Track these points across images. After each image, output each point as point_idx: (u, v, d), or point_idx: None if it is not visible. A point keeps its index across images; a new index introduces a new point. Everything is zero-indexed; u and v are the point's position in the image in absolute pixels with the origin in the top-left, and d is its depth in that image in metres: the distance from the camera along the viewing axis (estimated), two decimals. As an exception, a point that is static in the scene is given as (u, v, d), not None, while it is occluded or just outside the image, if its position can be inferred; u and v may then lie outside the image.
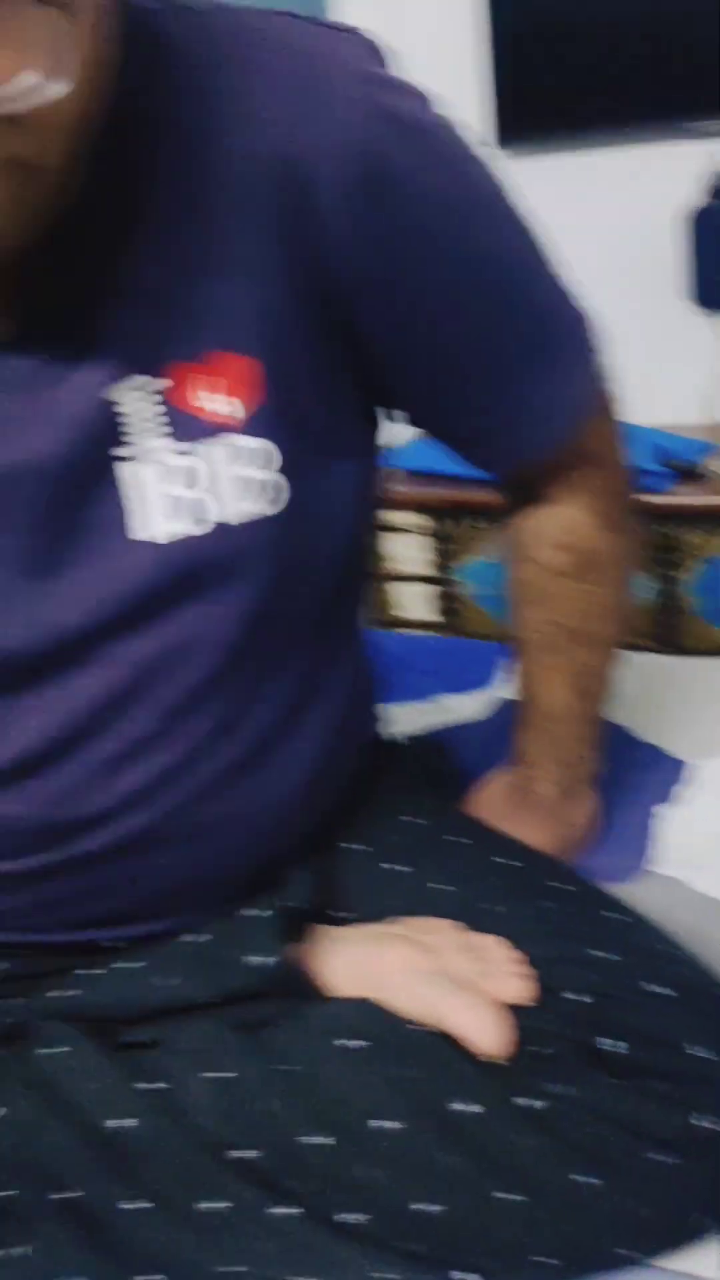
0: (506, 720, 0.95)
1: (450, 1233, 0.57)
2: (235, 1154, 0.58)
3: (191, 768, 0.66)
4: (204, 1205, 0.57)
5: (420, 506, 1.88)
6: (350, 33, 0.61)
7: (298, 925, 0.68)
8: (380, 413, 0.71)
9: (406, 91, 0.61)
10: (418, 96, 0.62)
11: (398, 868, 0.74)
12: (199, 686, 0.65)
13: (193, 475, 0.60)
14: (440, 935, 0.66)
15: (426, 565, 1.97)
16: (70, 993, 0.67)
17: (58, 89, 0.45)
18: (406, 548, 1.93)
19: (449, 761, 0.89)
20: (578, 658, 0.80)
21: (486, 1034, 0.60)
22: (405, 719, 1.02)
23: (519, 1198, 0.57)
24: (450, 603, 1.99)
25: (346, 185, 0.58)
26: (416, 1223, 0.57)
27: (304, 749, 0.71)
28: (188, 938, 0.69)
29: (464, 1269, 0.57)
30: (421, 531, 1.92)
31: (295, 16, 0.60)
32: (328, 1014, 0.64)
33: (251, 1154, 0.58)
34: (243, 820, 0.69)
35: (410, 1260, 0.57)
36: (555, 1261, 0.57)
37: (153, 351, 0.59)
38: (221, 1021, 0.64)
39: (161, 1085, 0.61)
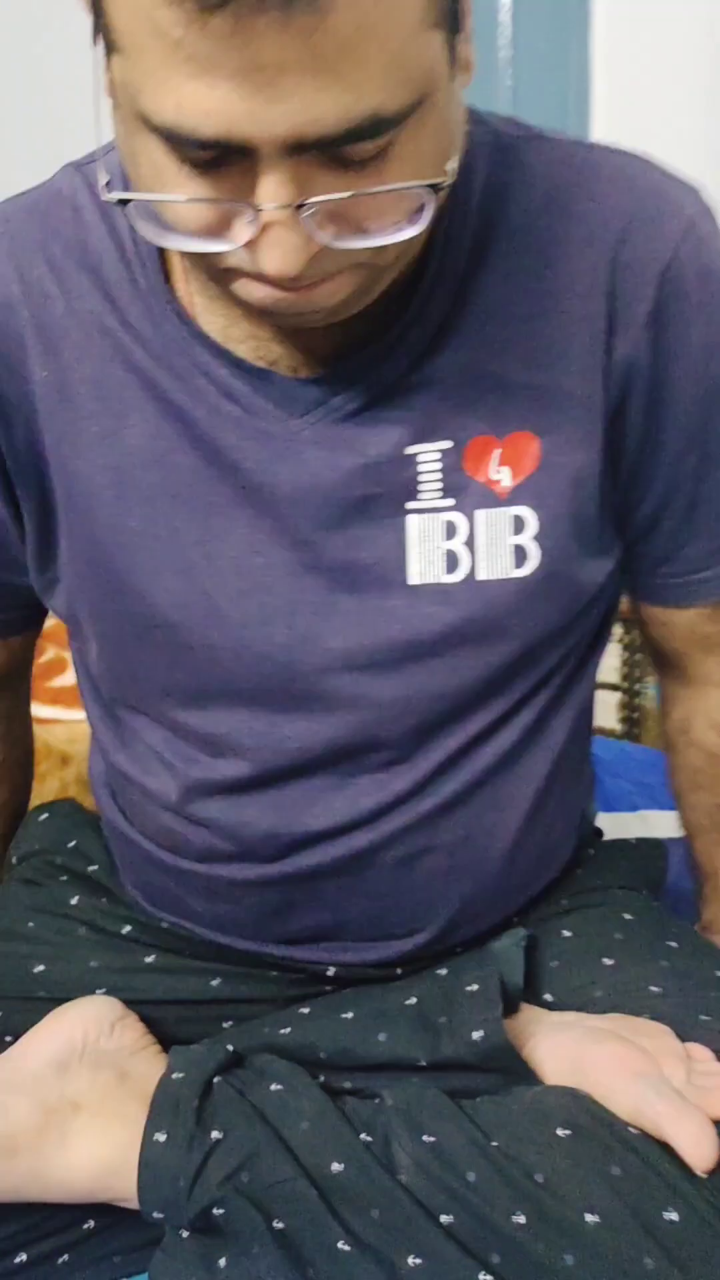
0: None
1: None
2: (438, 1216, 0.60)
3: (420, 795, 0.71)
4: (410, 1260, 0.59)
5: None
6: (690, 188, 0.67)
7: (509, 1000, 0.70)
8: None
9: (715, 232, 0.67)
10: None
11: (606, 960, 0.75)
12: (440, 722, 0.70)
13: (462, 533, 0.66)
14: (655, 1040, 0.67)
15: (614, 673, 1.98)
16: (286, 1030, 0.71)
17: (412, 231, 0.53)
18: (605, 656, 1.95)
19: (664, 867, 0.90)
20: None
21: (697, 1145, 0.60)
22: (609, 827, 1.03)
23: None
24: (633, 712, 1.99)
25: (659, 303, 0.64)
26: None
27: (521, 792, 0.74)
28: (401, 997, 0.72)
29: None
30: (613, 640, 1.93)
31: (644, 160, 0.67)
32: (536, 1097, 0.65)
33: (449, 1219, 0.60)
34: (457, 849, 0.73)
35: None
36: None
37: (462, 421, 0.65)
38: (432, 1084, 0.66)
39: (369, 1138, 0.63)
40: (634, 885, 0.85)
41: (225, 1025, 0.75)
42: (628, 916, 0.80)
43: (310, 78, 0.46)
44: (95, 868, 0.85)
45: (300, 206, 0.50)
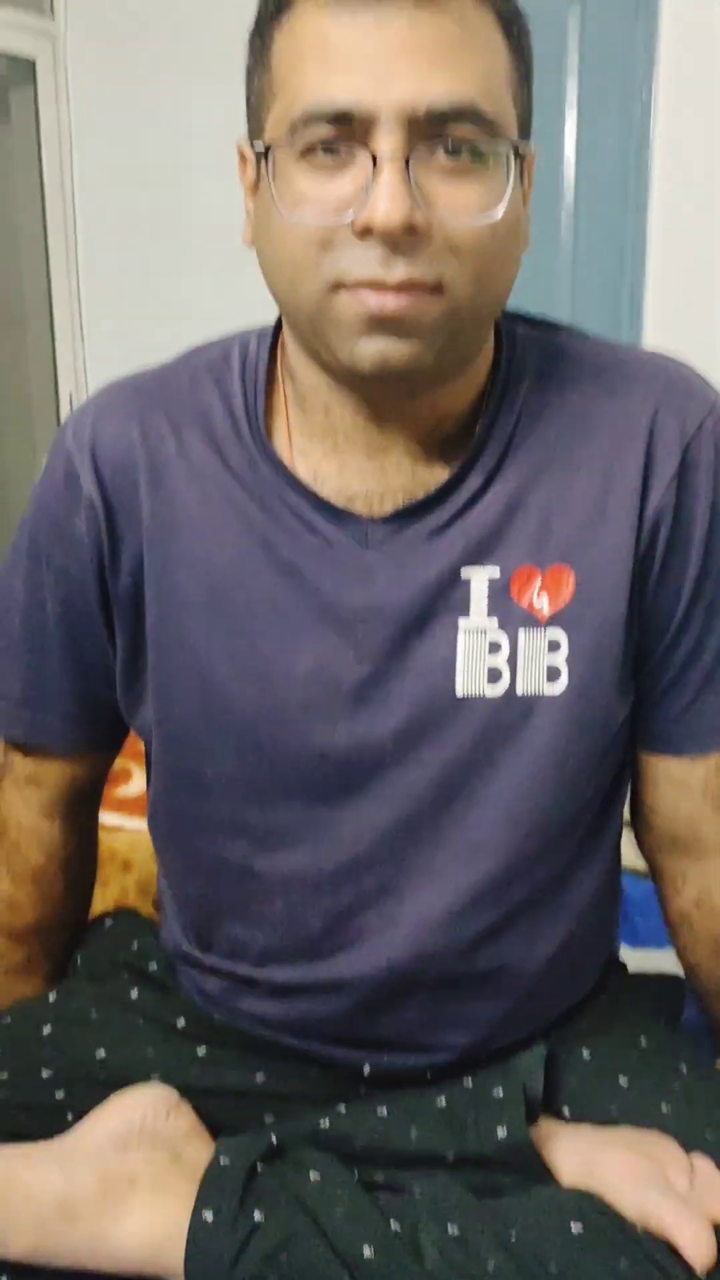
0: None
1: None
2: None
3: (460, 920, 0.78)
4: None
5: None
6: (710, 384, 0.80)
7: (531, 1109, 0.76)
8: None
9: None
10: None
11: (621, 1081, 0.81)
12: (480, 832, 0.77)
13: (505, 651, 0.76)
14: (662, 1150, 0.73)
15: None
16: (325, 1123, 0.77)
17: (496, 214, 0.67)
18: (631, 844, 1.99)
19: (683, 1003, 0.95)
20: None
21: (696, 1245, 0.66)
22: (637, 962, 1.09)
23: None
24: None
25: (684, 465, 0.76)
26: None
27: (555, 929, 0.81)
28: (432, 1097, 0.79)
29: None
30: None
31: (675, 358, 0.81)
32: (553, 1195, 0.71)
33: None
34: (490, 976, 0.80)
35: None
36: None
37: (509, 552, 0.76)
38: (457, 1180, 0.72)
39: (398, 1226, 0.69)
40: (652, 1015, 0.91)
41: (267, 1119, 0.81)
42: (644, 1042, 0.85)
43: (426, 60, 0.63)
44: (154, 966, 0.93)
45: (409, 164, 0.64)
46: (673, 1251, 0.66)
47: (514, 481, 0.76)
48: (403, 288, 0.65)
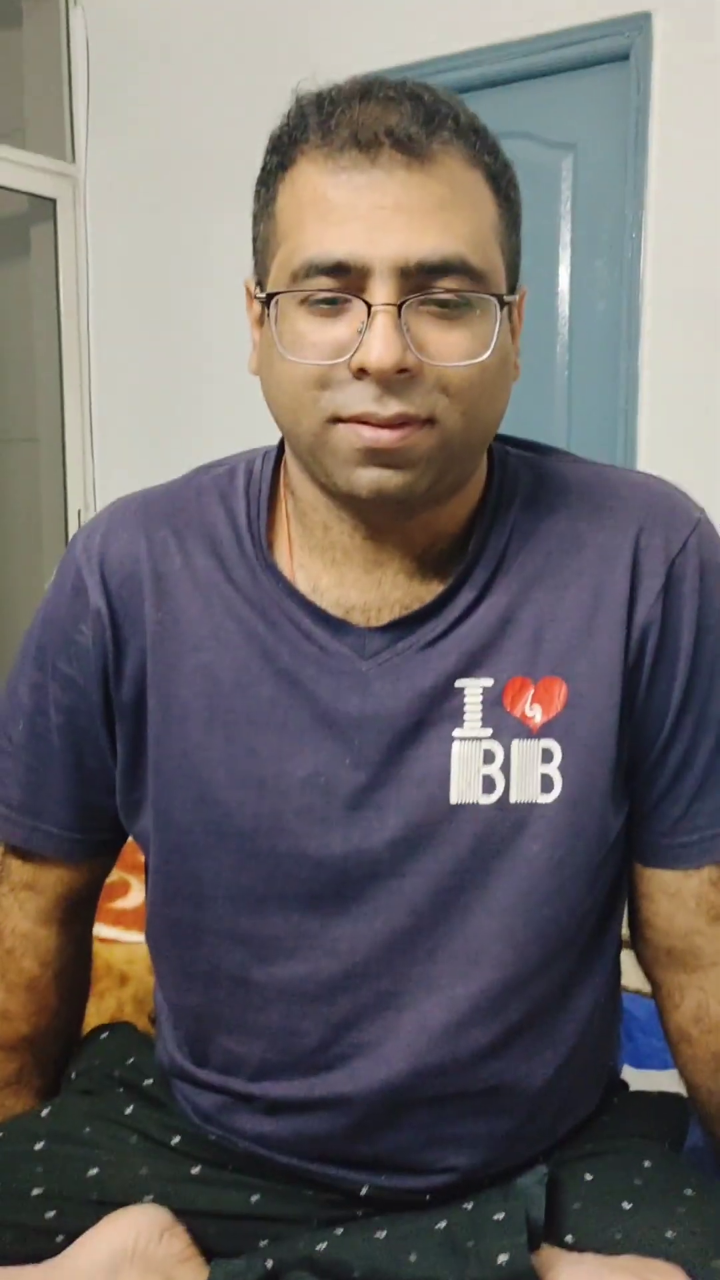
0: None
1: None
2: None
3: (457, 1036, 0.77)
4: None
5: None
6: (695, 503, 0.83)
7: (533, 1234, 0.74)
8: None
9: (714, 535, 0.82)
10: (717, 545, 0.82)
11: (625, 1205, 0.79)
12: (478, 943, 0.77)
13: (498, 760, 0.77)
14: (664, 1276, 0.71)
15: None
16: (322, 1246, 0.75)
17: (483, 355, 0.70)
18: (632, 963, 1.97)
19: (686, 1121, 0.94)
20: None
21: None
22: (640, 1084, 1.07)
23: None
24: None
25: (669, 579, 0.79)
26: None
27: (554, 1049, 0.81)
28: (431, 1221, 0.77)
29: None
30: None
31: (660, 477, 0.84)
32: None
33: None
34: (488, 1096, 0.79)
35: None
36: None
37: (502, 663, 0.78)
38: None
39: None
40: (655, 1136, 0.89)
41: (262, 1243, 0.79)
42: (647, 1164, 0.84)
43: (418, 218, 0.68)
44: (150, 1082, 0.91)
45: (400, 311, 0.68)
46: None
47: (506, 596, 0.79)
48: (395, 423, 0.69)
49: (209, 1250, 0.78)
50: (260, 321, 0.75)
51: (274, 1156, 0.82)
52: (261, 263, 0.75)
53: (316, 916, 0.79)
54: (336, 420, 0.70)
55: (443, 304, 0.69)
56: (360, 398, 0.69)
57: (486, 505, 0.80)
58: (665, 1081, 1.13)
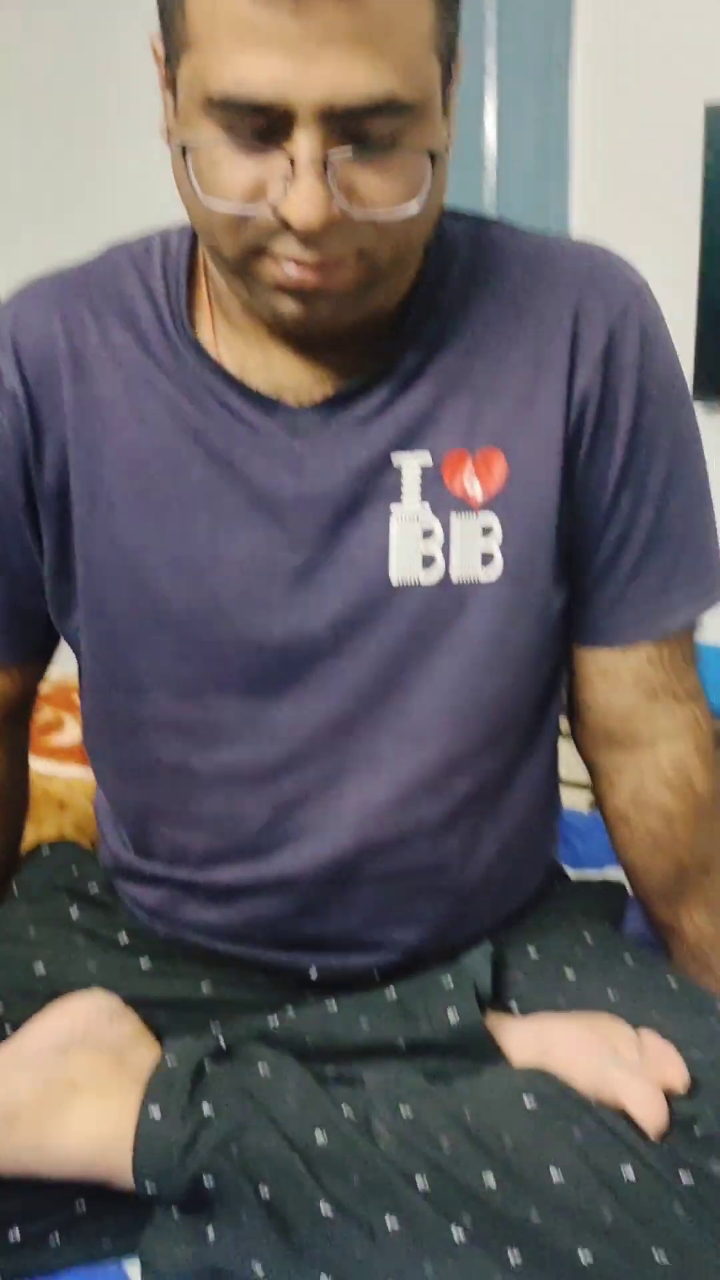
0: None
1: (599, 1278, 0.62)
2: (415, 1181, 0.65)
3: (401, 811, 0.78)
4: (387, 1223, 0.64)
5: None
6: (635, 269, 0.80)
7: (480, 1003, 0.75)
8: None
9: (655, 305, 0.80)
10: (659, 312, 0.80)
11: (567, 973, 0.81)
12: (420, 721, 0.77)
13: (438, 538, 0.75)
14: (610, 1026, 0.73)
15: (585, 772, 2.04)
16: (273, 1023, 0.76)
17: (414, 208, 0.65)
18: (571, 754, 2.01)
19: (624, 906, 0.96)
20: (706, 886, 0.87)
21: (649, 1107, 0.65)
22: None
23: (667, 1257, 0.61)
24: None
25: (609, 346, 0.76)
26: (570, 1265, 0.62)
27: (497, 828, 0.81)
28: (381, 991, 0.78)
29: None
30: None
31: (601, 245, 0.81)
32: (505, 1074, 0.70)
33: (424, 1183, 0.65)
34: (433, 873, 0.79)
35: None
36: None
37: (440, 438, 0.75)
38: (409, 1066, 0.72)
39: (350, 1113, 0.68)
40: (596, 916, 0.91)
41: (213, 1027, 0.79)
42: (588, 938, 0.86)
43: (347, 50, 0.59)
44: (95, 888, 0.91)
45: (327, 163, 0.61)
46: (627, 1120, 0.66)
47: (443, 369, 0.76)
48: (323, 264, 0.65)
49: (160, 1036, 0.78)
50: (170, 85, 0.69)
51: (223, 946, 0.82)
52: (168, 36, 0.67)
53: (257, 701, 0.77)
54: (260, 252, 0.66)
55: (372, 147, 0.63)
56: (284, 241, 0.65)
57: (424, 280, 0.77)
58: (596, 879, 1.16)
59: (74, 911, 0.87)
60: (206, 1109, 0.68)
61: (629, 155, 2.16)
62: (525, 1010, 0.79)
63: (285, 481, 0.75)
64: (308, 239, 0.64)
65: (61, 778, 1.22)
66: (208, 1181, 0.67)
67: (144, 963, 0.83)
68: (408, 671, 0.77)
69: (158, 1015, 0.79)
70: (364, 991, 0.79)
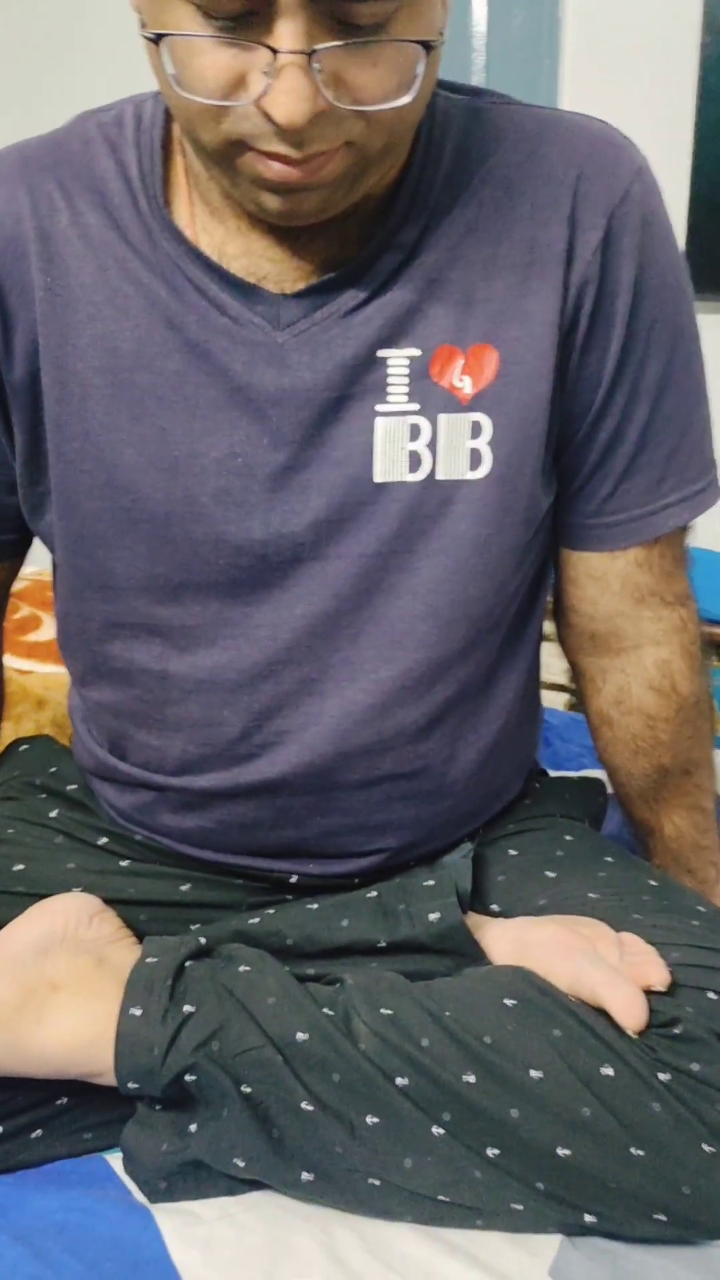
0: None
1: (578, 1176, 0.63)
2: (395, 1079, 0.65)
3: (382, 717, 0.76)
4: (367, 1119, 0.64)
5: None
6: (636, 146, 0.76)
7: (460, 904, 0.75)
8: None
9: (657, 188, 0.76)
10: (661, 197, 0.76)
11: (548, 874, 0.81)
12: (402, 625, 0.75)
13: (425, 436, 0.72)
14: (591, 928, 0.73)
15: (563, 675, 2.04)
16: (253, 921, 0.76)
17: (406, 99, 0.61)
18: (549, 656, 2.01)
19: (604, 803, 0.96)
20: (687, 787, 0.87)
21: (629, 1007, 0.66)
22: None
23: (645, 1154, 0.62)
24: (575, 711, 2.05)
25: (609, 233, 0.72)
26: (548, 1160, 0.63)
27: (479, 732, 0.81)
28: (362, 892, 0.78)
29: (587, 1211, 0.63)
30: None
31: (601, 119, 0.76)
32: (485, 974, 0.71)
33: (404, 1081, 0.65)
34: (415, 777, 0.79)
35: (539, 1195, 0.64)
36: (666, 1218, 0.63)
37: (429, 331, 0.72)
38: (389, 966, 0.72)
39: (330, 1012, 0.68)
40: (576, 816, 0.91)
41: (193, 928, 0.79)
42: (569, 838, 0.86)
43: None
44: (73, 787, 0.90)
45: (312, 55, 0.57)
46: (606, 1019, 0.67)
47: (434, 256, 0.72)
48: (308, 159, 0.61)
49: (140, 935, 0.78)
50: None
51: (201, 853, 0.82)
52: None
53: (236, 604, 0.75)
54: (241, 144, 0.62)
55: (362, 34, 0.58)
56: (268, 136, 0.60)
57: (414, 159, 0.72)
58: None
59: (53, 812, 0.87)
60: (187, 1007, 0.68)
61: (623, 34, 2.07)
62: (506, 911, 0.79)
63: (266, 375, 0.72)
64: (291, 135, 0.59)
65: (39, 674, 1.20)
66: (189, 1079, 0.67)
67: (123, 863, 0.83)
68: (390, 574, 0.75)
69: (137, 915, 0.79)
70: (345, 890, 0.79)
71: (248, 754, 0.78)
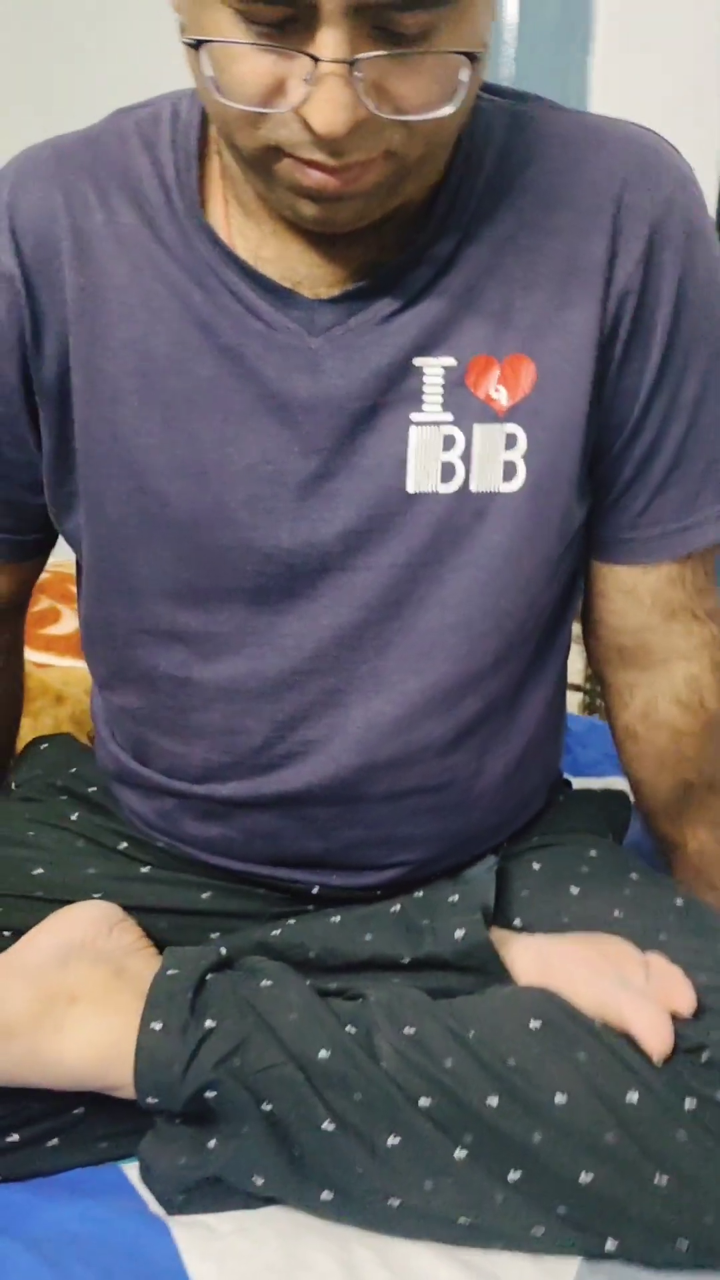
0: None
1: (600, 1202, 0.62)
2: (417, 1100, 0.64)
3: (409, 729, 0.75)
4: (389, 1140, 0.64)
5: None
6: (682, 157, 0.75)
7: (484, 919, 0.74)
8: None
9: (702, 199, 0.74)
10: (705, 208, 0.75)
11: (573, 890, 0.80)
12: (431, 638, 0.74)
13: (459, 447, 0.71)
14: (617, 948, 0.72)
15: (578, 675, 2.03)
16: (275, 933, 0.75)
17: (449, 109, 0.60)
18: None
19: (628, 817, 0.95)
20: (712, 803, 0.85)
21: (655, 1032, 0.65)
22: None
23: (669, 1182, 0.62)
24: (593, 713, 2.04)
25: (651, 245, 0.71)
26: (569, 1185, 0.62)
27: (507, 746, 0.80)
28: (385, 905, 0.77)
29: (609, 1237, 0.62)
30: (579, 641, 1.98)
31: (646, 127, 0.75)
32: (510, 995, 0.70)
33: (427, 1102, 0.64)
34: (441, 791, 0.78)
35: (560, 1220, 0.63)
36: (688, 1246, 0.62)
37: (466, 340, 0.71)
38: (412, 983, 0.71)
39: (353, 1029, 0.67)
40: (599, 830, 0.90)
41: (213, 936, 0.79)
42: (593, 853, 0.85)
43: None
44: (94, 789, 0.89)
45: (354, 65, 0.56)
46: (631, 1043, 0.66)
47: (473, 264, 0.71)
48: (346, 167, 0.60)
49: (160, 944, 0.77)
50: None
51: (223, 862, 0.81)
52: None
53: (261, 612, 0.74)
54: (279, 151, 0.61)
55: (405, 42, 0.57)
56: (306, 144, 0.59)
57: (455, 164, 0.71)
58: (598, 787, 1.15)
59: (74, 815, 0.86)
60: (209, 1022, 0.68)
61: (654, 28, 2.04)
62: (529, 926, 0.78)
63: (300, 382, 0.71)
64: (330, 144, 0.58)
65: (58, 668, 1.19)
66: (209, 1094, 0.66)
67: (144, 870, 0.82)
68: (420, 585, 0.74)
69: (157, 922, 0.79)
70: (368, 904, 0.79)
71: (270, 763, 0.77)
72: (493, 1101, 0.64)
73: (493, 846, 0.84)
